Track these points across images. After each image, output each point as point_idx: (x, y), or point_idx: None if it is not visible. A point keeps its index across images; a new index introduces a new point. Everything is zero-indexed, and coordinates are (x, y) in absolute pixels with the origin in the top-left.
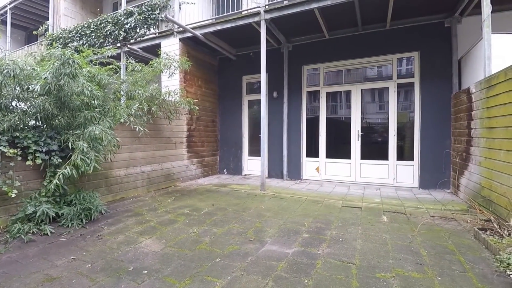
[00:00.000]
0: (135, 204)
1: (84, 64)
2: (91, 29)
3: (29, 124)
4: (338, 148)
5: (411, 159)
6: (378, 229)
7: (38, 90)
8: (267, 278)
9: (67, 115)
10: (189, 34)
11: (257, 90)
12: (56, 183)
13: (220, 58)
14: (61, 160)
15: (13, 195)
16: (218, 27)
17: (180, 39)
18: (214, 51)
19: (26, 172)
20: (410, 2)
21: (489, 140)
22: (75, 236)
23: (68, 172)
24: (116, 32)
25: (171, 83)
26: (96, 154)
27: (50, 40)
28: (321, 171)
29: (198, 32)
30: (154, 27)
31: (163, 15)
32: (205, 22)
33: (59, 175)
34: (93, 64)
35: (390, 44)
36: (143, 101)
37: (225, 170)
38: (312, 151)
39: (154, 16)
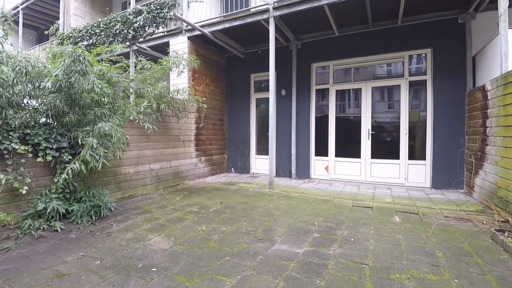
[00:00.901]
0: (144, 202)
1: (95, 62)
2: (101, 28)
3: (40, 122)
4: (348, 147)
5: (423, 158)
6: (390, 230)
7: (49, 87)
8: (278, 278)
9: (77, 113)
10: (197, 32)
11: (265, 88)
12: (65, 178)
13: (228, 57)
14: (71, 157)
15: (24, 192)
16: (227, 25)
17: (188, 37)
18: (222, 49)
19: (36, 168)
20: None
21: (506, 139)
22: (85, 232)
23: (77, 167)
24: (125, 31)
25: (180, 82)
26: (105, 151)
27: (60, 39)
28: (330, 170)
29: (206, 30)
30: (163, 25)
31: (171, 13)
32: (213, 20)
33: (68, 170)
34: (103, 62)
35: (402, 41)
36: (152, 99)
37: (232, 169)
38: (321, 150)
39: (162, 14)
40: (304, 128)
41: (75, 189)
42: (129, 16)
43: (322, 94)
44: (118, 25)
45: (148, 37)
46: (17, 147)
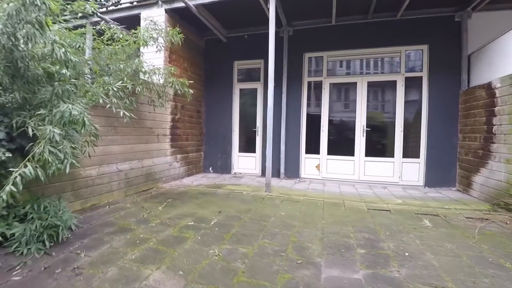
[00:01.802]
0: (115, 214)
1: (49, 22)
2: None
3: None
4: (341, 144)
5: (417, 156)
6: (432, 237)
7: None
8: None
9: (24, 89)
10: (178, 5)
11: (252, 78)
12: (10, 190)
13: (207, 40)
14: (10, 155)
15: None
16: None
17: (166, 10)
18: (202, 31)
19: None
20: None
21: None
22: (36, 271)
23: (30, 173)
24: None
25: (154, 63)
26: (73, 146)
27: None
28: (321, 169)
29: (191, 3)
30: None
31: None
32: None
33: (15, 178)
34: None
35: (399, 35)
36: (125, 79)
37: (210, 168)
38: (312, 147)
39: None
40: (295, 123)
41: (15, 201)
42: None
43: (315, 87)
44: None
45: (112, 7)
46: None
